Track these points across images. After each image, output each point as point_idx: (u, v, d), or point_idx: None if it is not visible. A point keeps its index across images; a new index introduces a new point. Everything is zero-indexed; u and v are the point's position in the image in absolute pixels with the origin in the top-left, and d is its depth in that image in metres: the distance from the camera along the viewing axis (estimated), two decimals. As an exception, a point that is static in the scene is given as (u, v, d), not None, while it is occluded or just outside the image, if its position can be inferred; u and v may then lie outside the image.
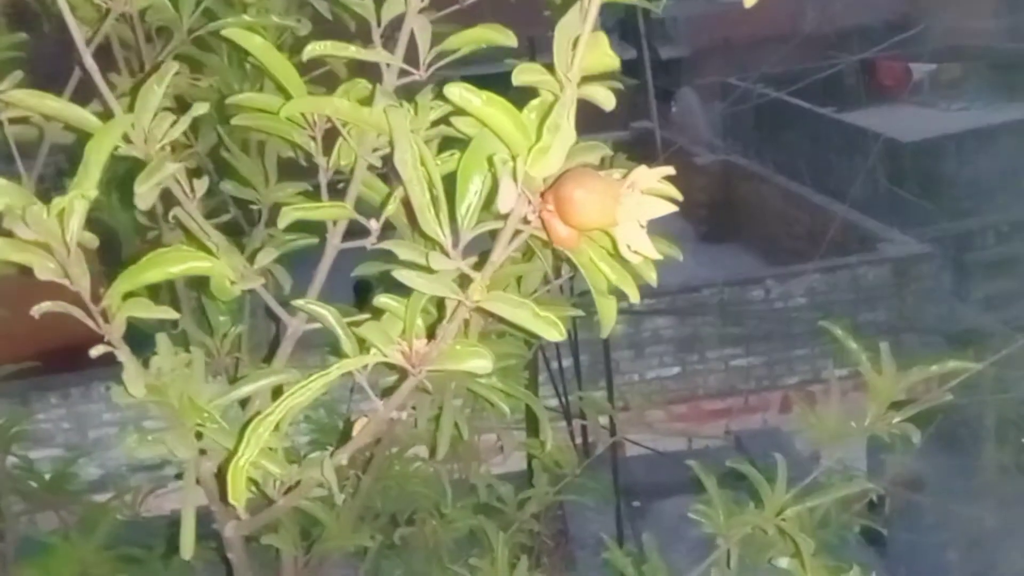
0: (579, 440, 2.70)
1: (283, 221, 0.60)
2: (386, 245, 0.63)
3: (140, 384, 0.58)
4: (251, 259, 0.66)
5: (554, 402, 2.82)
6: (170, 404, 0.65)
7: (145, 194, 0.55)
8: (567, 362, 2.94)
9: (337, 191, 0.70)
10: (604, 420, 2.23)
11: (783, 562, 0.99)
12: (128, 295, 0.56)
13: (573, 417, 2.92)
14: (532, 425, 1.83)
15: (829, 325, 1.04)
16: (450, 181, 0.60)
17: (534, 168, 0.50)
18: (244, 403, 0.77)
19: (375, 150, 0.66)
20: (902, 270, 5.49)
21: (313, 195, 0.94)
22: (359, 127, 0.64)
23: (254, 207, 0.97)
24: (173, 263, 0.55)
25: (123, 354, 0.58)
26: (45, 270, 0.51)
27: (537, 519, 1.44)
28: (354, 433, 0.70)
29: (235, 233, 1.02)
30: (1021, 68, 6.88)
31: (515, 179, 0.50)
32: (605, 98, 0.53)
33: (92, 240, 0.57)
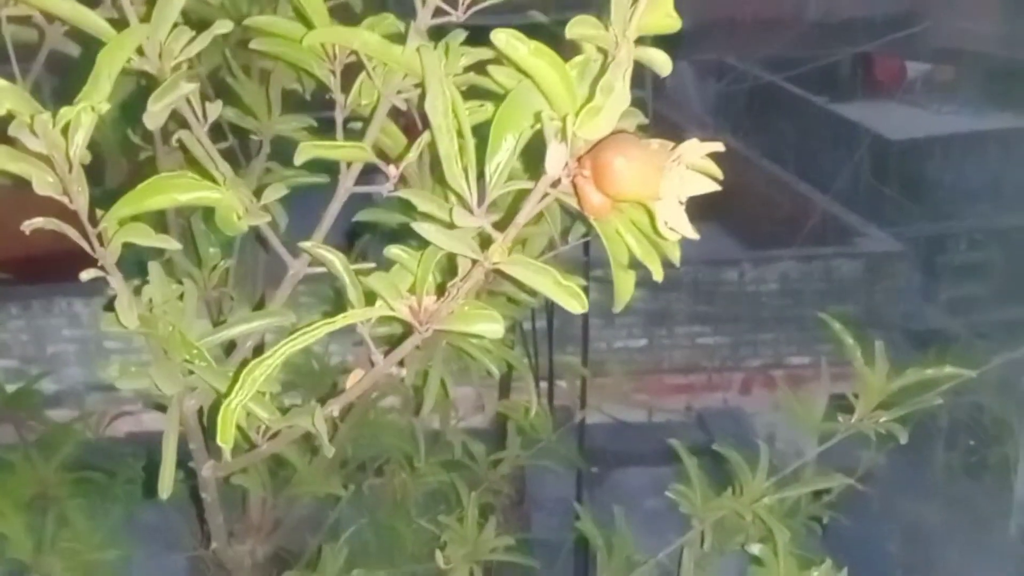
0: (548, 404, 2.70)
1: (300, 157, 0.57)
2: (404, 194, 0.59)
3: (133, 315, 0.55)
4: (257, 194, 0.62)
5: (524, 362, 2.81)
6: (160, 337, 0.62)
7: (156, 113, 0.51)
8: (540, 324, 2.93)
9: (348, 131, 0.67)
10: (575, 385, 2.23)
11: (755, 548, 0.99)
12: (125, 220, 0.53)
13: (543, 380, 2.91)
14: (505, 386, 1.82)
15: (827, 317, 1.03)
16: (476, 134, 0.56)
17: (583, 130, 0.47)
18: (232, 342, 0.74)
19: (399, 92, 0.62)
20: (875, 266, 5.54)
21: (317, 131, 0.90)
22: (386, 65, 0.60)
23: (254, 137, 0.92)
24: (181, 190, 0.52)
25: (116, 281, 0.55)
26: (44, 184, 0.47)
27: (505, 480, 1.43)
28: (347, 385, 0.67)
29: (231, 162, 0.98)
30: (1015, 77, 6.91)
31: (564, 140, 0.47)
32: (662, 62, 0.50)
33: (84, 156, 0.53)
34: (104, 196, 0.56)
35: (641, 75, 0.52)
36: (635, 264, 0.61)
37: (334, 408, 0.67)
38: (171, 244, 0.54)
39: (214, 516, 0.83)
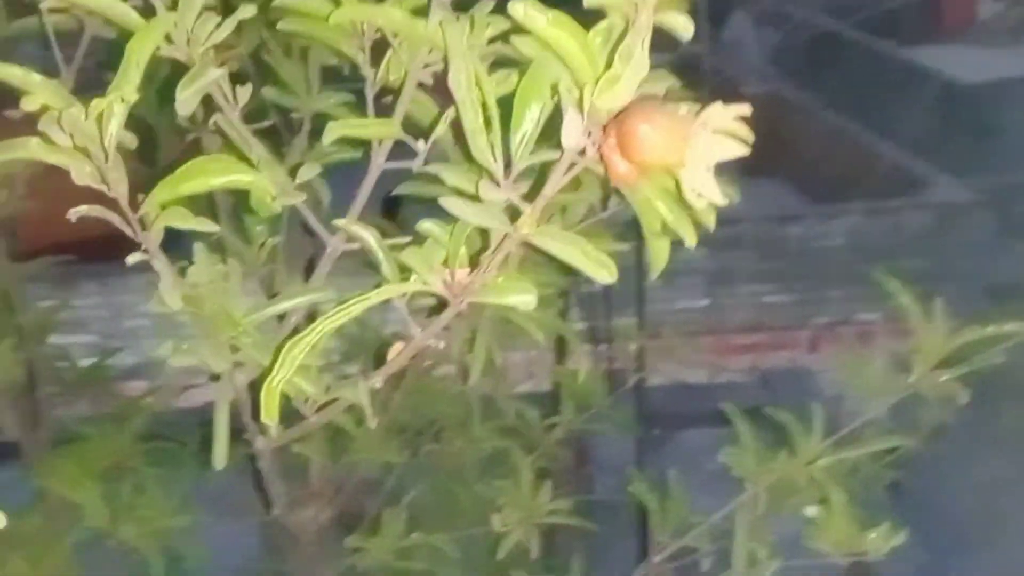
0: (606, 367, 2.70)
1: (328, 137, 0.57)
2: (433, 168, 0.60)
3: (176, 296, 0.57)
4: (292, 173, 0.63)
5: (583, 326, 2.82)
6: (206, 316, 0.64)
7: (187, 100, 0.52)
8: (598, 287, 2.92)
9: (383, 106, 0.67)
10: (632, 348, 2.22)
11: (811, 511, 0.99)
12: (166, 203, 0.54)
13: (601, 343, 2.91)
14: (561, 350, 1.83)
15: (882, 276, 1.00)
16: (504, 105, 0.56)
17: (601, 99, 0.47)
18: (281, 317, 0.76)
19: (426, 66, 0.62)
20: (947, 217, 5.34)
21: (357, 106, 0.91)
22: (411, 41, 0.60)
23: (295, 115, 0.94)
24: (214, 174, 0.53)
25: (160, 263, 0.57)
26: (82, 174, 0.49)
27: (560, 444, 1.44)
28: (389, 358, 0.68)
29: (275, 141, 1.00)
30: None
31: (581, 110, 0.47)
32: (684, 25, 0.49)
33: (131, 140, 0.55)
34: (157, 176, 0.58)
35: (697, 30, 0.51)
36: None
37: (377, 380, 0.69)
38: (209, 227, 0.56)
39: (272, 485, 0.86)
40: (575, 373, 1.10)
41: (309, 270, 0.72)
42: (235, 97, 0.60)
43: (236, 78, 0.91)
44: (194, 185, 0.53)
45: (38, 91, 0.46)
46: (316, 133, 0.96)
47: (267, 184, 0.55)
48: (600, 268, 0.55)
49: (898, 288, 0.98)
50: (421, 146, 0.62)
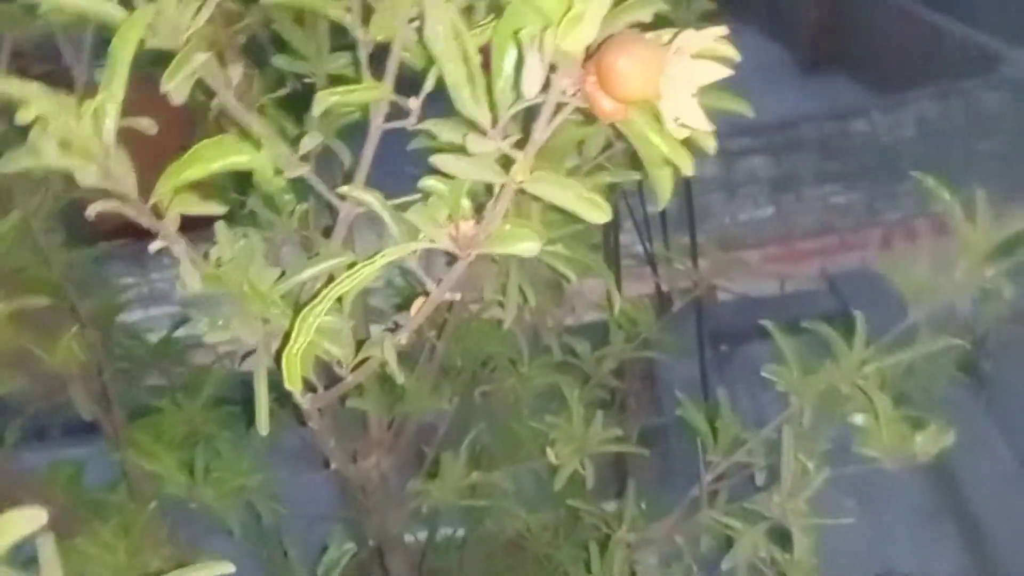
0: (663, 288, 2.69)
1: (317, 108, 0.59)
2: (426, 124, 0.61)
3: (196, 278, 0.60)
4: (297, 144, 0.65)
5: (639, 249, 2.80)
6: (232, 292, 0.67)
7: (176, 88, 0.54)
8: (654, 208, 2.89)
9: (383, 64, 0.68)
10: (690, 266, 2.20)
11: (858, 419, 0.98)
12: (176, 190, 0.57)
13: (659, 263, 2.89)
14: (617, 277, 1.83)
15: (919, 175, 0.97)
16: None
17: (565, 41, 0.47)
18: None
19: (411, 20, 0.62)
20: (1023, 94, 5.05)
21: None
22: (392, -1, 0.61)
23: (307, 80, 0.95)
24: (213, 159, 0.55)
25: (178, 248, 0.60)
26: (87, 175, 0.51)
27: (618, 374, 1.46)
28: (412, 314, 0.70)
29: (294, 111, 1.01)
30: None
31: (541, 54, 0.46)
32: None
33: (150, 126, 0.57)
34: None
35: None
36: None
37: (402, 337, 0.71)
38: (217, 209, 0.58)
39: (325, 442, 0.90)
40: (612, 306, 1.10)
41: (329, 235, 0.74)
42: (228, 78, 0.62)
43: (248, 48, 0.93)
44: (195, 171, 0.55)
45: (35, 101, 0.48)
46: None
47: (264, 162, 0.57)
48: (594, 209, 0.55)
49: (937, 187, 0.95)
50: (413, 103, 0.62)
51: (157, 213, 0.58)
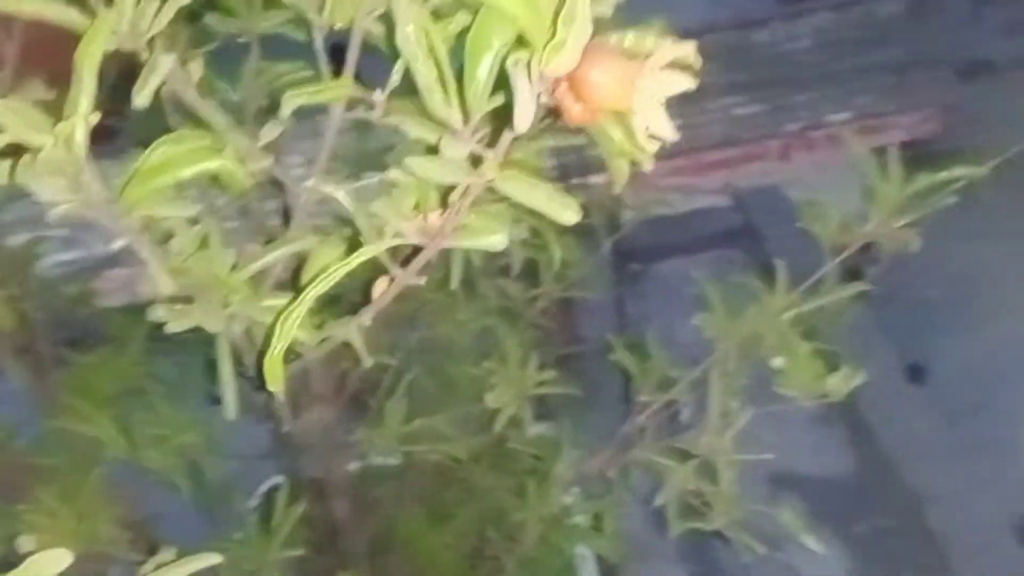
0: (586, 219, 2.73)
1: (285, 109, 0.58)
2: (393, 120, 0.61)
3: (168, 281, 0.60)
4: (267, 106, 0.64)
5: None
6: (197, 282, 0.67)
7: (144, 98, 0.53)
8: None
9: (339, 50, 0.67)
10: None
11: (777, 361, 1.06)
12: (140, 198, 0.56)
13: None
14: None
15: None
16: (458, 49, 0.57)
17: (549, 68, 0.48)
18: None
19: (371, 12, 0.62)
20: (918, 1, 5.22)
21: (305, 24, 0.89)
22: (353, -10, 0.60)
23: (240, 40, 0.92)
24: (182, 166, 0.54)
25: (145, 253, 0.59)
26: (57, 189, 0.50)
27: (547, 311, 1.50)
28: (374, 296, 0.72)
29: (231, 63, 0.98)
30: None
31: (531, 84, 0.48)
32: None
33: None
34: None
35: None
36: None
37: (366, 318, 0.73)
38: (185, 211, 0.58)
39: (277, 405, 0.92)
40: (553, 260, 1.14)
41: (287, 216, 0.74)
42: (190, 76, 0.60)
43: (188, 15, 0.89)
44: (164, 179, 0.54)
45: (13, 116, 0.46)
46: (264, 56, 0.94)
47: (234, 168, 0.56)
48: (564, 210, 0.58)
49: (851, 138, 1.01)
50: (378, 97, 0.62)
51: (122, 218, 0.57)
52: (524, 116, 0.48)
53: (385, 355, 1.23)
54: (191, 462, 1.17)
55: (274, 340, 0.57)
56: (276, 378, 0.58)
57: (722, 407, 1.04)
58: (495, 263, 1.36)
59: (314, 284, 0.58)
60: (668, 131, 0.54)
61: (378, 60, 0.71)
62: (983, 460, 2.34)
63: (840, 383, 1.00)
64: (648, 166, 0.61)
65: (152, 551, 1.15)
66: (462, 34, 0.57)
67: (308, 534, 1.30)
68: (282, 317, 0.58)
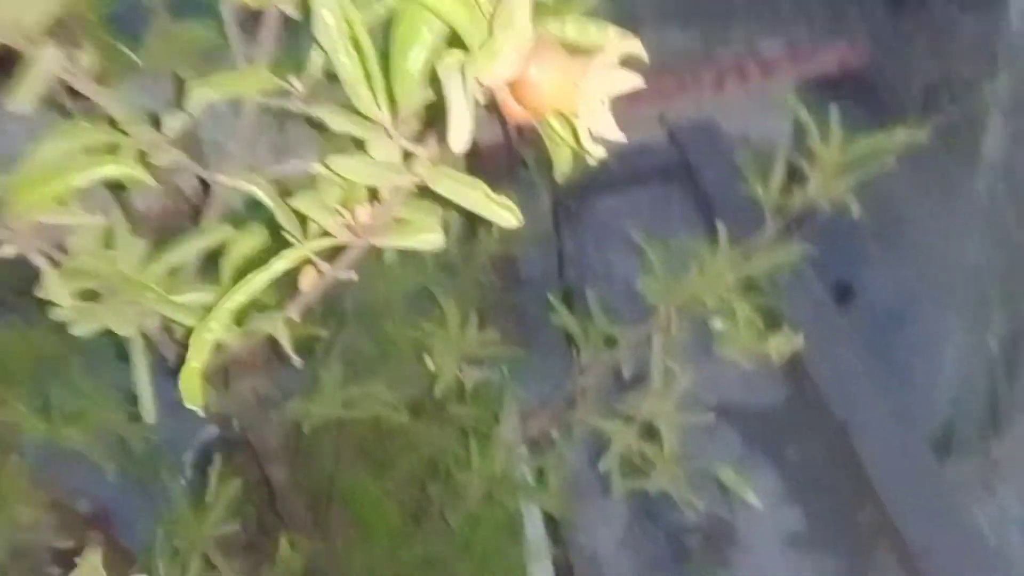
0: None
1: (194, 100, 0.52)
2: (316, 112, 0.55)
3: (65, 295, 0.54)
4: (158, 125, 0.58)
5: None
6: (103, 284, 0.61)
7: (23, 102, 0.46)
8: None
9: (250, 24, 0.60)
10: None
11: (718, 324, 1.06)
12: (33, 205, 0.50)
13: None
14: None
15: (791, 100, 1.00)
16: (378, 34, 0.51)
17: (482, 74, 0.43)
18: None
19: (287, -8, 0.56)
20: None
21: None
22: (262, -34, 0.53)
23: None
24: (77, 172, 0.49)
25: (37, 261, 0.53)
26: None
27: (484, 267, 1.47)
28: (302, 288, 0.67)
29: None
30: None
31: (466, 96, 0.43)
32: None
33: None
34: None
35: None
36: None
37: (293, 312, 0.69)
38: (83, 218, 0.52)
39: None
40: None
41: (198, 213, 0.68)
42: (78, 66, 0.53)
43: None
44: (55, 187, 0.49)
45: None
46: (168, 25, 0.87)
47: (138, 173, 0.50)
48: (503, 211, 0.54)
49: (795, 103, 0.98)
50: (298, 86, 0.57)
51: (9, 227, 0.51)
52: (460, 132, 0.43)
53: (318, 318, 1.19)
54: (117, 438, 1.12)
55: (189, 355, 0.53)
56: (194, 395, 0.54)
57: (663, 370, 1.04)
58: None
59: (231, 293, 0.54)
60: (614, 132, 0.50)
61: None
62: (904, 382, 2.44)
63: (781, 344, 1.00)
64: (599, 155, 0.58)
65: (81, 533, 1.11)
66: (388, 21, 0.51)
67: (245, 503, 1.27)
68: (196, 331, 0.53)
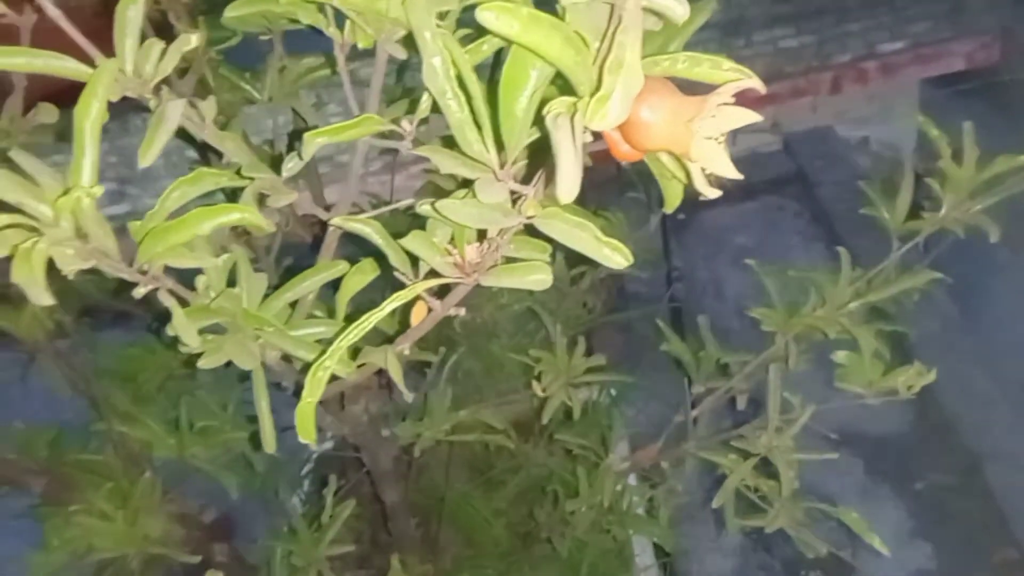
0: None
1: (307, 150, 0.53)
2: (424, 152, 0.56)
3: (194, 335, 0.57)
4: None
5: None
6: (228, 318, 0.64)
7: (151, 157, 0.49)
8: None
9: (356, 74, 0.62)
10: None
11: (840, 356, 1.01)
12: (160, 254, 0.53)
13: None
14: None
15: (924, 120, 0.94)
16: (482, 73, 0.52)
17: (593, 122, 0.42)
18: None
19: (393, 34, 0.56)
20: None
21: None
22: (370, 17, 0.54)
23: (263, 38, 0.87)
24: (200, 221, 0.51)
25: (169, 303, 0.56)
26: (68, 261, 0.47)
27: (588, 292, 1.46)
28: (413, 323, 0.68)
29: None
30: None
31: (573, 139, 0.42)
32: (679, 11, 0.43)
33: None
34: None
35: None
36: None
37: (404, 347, 0.70)
38: (208, 262, 0.54)
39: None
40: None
41: (316, 245, 0.70)
42: (202, 116, 0.56)
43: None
44: (182, 236, 0.51)
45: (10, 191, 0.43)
46: (287, 51, 0.90)
47: (258, 219, 0.52)
48: (613, 253, 0.53)
49: (927, 123, 0.93)
50: (407, 127, 0.57)
51: (141, 271, 0.54)
52: (569, 183, 0.42)
53: (428, 341, 1.21)
54: (239, 456, 1.17)
55: (305, 392, 0.54)
56: (308, 430, 0.56)
57: (781, 403, 1.00)
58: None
59: (347, 334, 0.55)
60: (730, 170, 0.49)
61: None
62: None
63: (911, 379, 0.94)
64: (711, 195, 0.56)
65: (206, 546, 1.16)
66: (495, 63, 0.51)
67: (358, 518, 1.30)
68: (312, 370, 0.54)
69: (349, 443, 1.27)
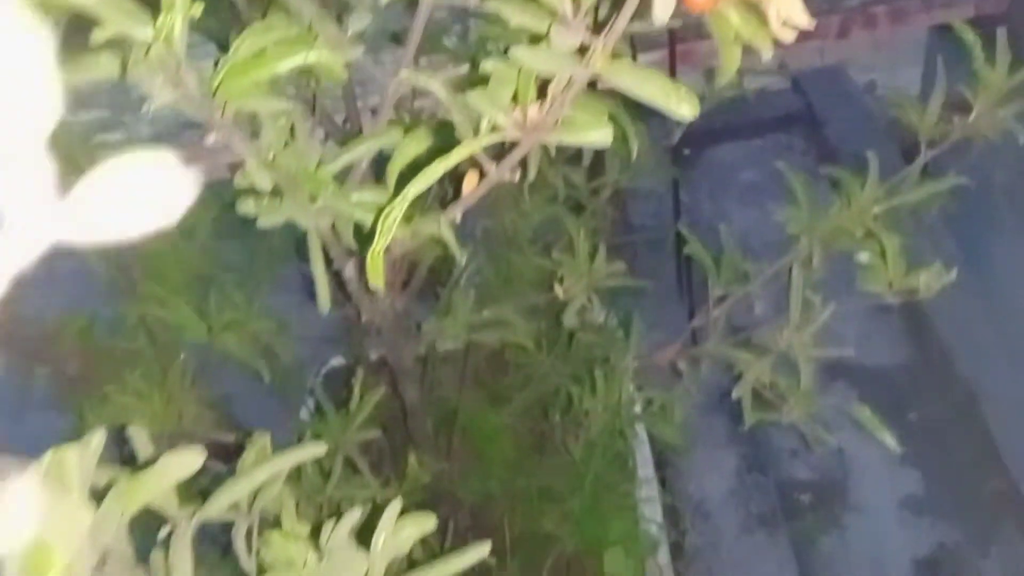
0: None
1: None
2: (493, 5, 0.57)
3: (265, 176, 0.58)
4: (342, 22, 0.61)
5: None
6: (286, 176, 0.65)
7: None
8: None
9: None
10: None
11: (863, 257, 1.03)
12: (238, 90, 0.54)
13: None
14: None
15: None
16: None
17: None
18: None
19: None
20: None
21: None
22: None
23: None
24: (279, 59, 0.52)
25: (242, 147, 0.57)
26: (160, 90, 0.48)
27: (611, 200, 1.48)
28: (464, 191, 0.70)
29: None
30: None
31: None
32: None
33: None
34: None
35: None
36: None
37: (456, 213, 0.71)
38: (280, 104, 0.56)
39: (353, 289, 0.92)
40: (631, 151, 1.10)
41: (372, 111, 0.71)
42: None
43: None
44: (261, 73, 0.52)
45: (113, 17, 0.44)
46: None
47: (334, 60, 0.53)
48: (682, 103, 0.54)
49: (963, 29, 0.94)
50: (475, -21, 0.58)
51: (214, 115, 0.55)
52: (665, 4, 0.44)
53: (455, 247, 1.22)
54: (265, 346, 1.19)
55: (376, 237, 0.56)
56: (377, 274, 0.58)
57: (803, 302, 1.02)
58: (564, 152, 1.32)
59: (413, 182, 0.56)
60: (804, 19, 0.50)
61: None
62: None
63: (932, 279, 0.96)
64: (768, 55, 0.57)
65: (233, 431, 1.19)
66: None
67: (377, 415, 1.33)
68: (383, 215, 0.56)
69: (363, 352, 1.29)
